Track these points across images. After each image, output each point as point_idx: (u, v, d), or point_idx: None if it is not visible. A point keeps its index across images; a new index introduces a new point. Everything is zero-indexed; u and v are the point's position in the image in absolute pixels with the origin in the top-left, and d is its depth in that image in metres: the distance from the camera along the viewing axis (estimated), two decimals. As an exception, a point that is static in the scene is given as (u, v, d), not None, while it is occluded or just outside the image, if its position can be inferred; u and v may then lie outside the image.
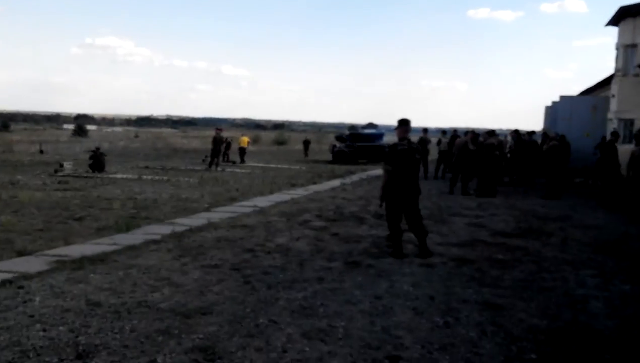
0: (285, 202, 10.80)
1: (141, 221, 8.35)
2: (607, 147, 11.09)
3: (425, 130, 17.56)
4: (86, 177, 15.74)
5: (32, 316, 4.09)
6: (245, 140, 25.40)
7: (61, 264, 5.52)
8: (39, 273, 5.19)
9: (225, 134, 22.45)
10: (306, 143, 32.13)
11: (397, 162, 6.21)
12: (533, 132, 22.04)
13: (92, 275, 5.16)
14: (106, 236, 7.23)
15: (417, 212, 6.31)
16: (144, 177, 15.80)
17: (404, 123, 6.41)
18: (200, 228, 7.71)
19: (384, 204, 6.41)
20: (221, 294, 4.65)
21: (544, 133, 23.54)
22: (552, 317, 4.34)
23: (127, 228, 7.72)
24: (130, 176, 16.06)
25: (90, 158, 17.40)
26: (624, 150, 15.25)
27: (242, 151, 24.40)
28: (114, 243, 6.68)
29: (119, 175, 16.21)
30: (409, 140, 6.35)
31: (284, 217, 8.86)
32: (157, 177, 15.74)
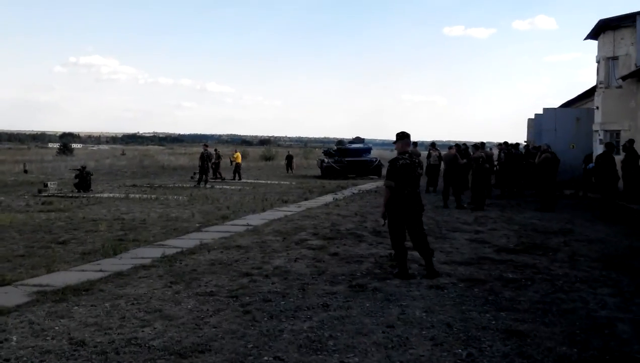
0: (279, 219, 10.32)
1: (129, 244, 7.81)
2: (603, 159, 10.84)
3: (414, 143, 17.29)
4: (71, 196, 15.09)
5: (7, 360, 3.56)
6: (239, 155, 24.77)
7: (42, 296, 4.98)
8: (18, 307, 4.64)
9: (211, 150, 21.81)
10: (289, 158, 31.08)
11: (399, 177, 5.81)
12: (517, 144, 22.00)
13: (76, 307, 4.63)
14: (92, 261, 6.68)
15: (421, 229, 5.90)
16: (132, 195, 15.20)
17: (403, 136, 6.03)
18: (192, 251, 7.20)
19: (386, 222, 5.98)
20: (219, 327, 4.16)
21: (528, 145, 23.51)
22: (581, 344, 3.93)
23: (115, 252, 7.18)
24: (117, 195, 15.44)
25: (76, 177, 16.74)
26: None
27: (238, 167, 23.76)
28: (101, 270, 6.14)
29: (105, 194, 15.58)
30: (410, 154, 5.96)
31: (279, 236, 8.39)
32: (144, 196, 15.15)
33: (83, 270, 6.19)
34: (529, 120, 29.84)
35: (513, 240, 8.15)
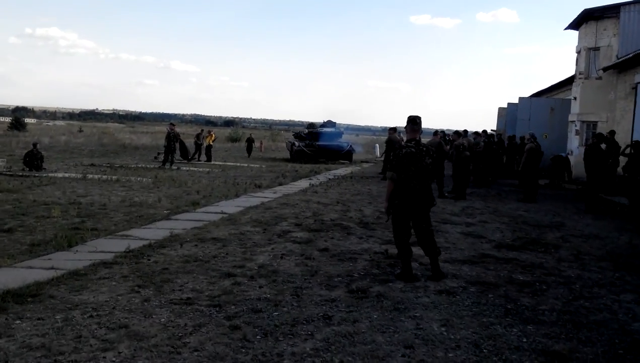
0: (256, 207, 9.47)
1: (87, 233, 6.81)
2: (591, 149, 10.49)
3: (393, 129, 16.67)
4: (21, 176, 13.69)
5: None
6: (212, 136, 23.43)
7: (-25, 304, 4.01)
8: (-58, 320, 3.68)
9: (178, 129, 20.59)
10: (249, 141, 28.83)
11: (403, 167, 5.09)
12: (465, 132, 21.73)
13: (18, 322, 3.70)
14: (42, 255, 5.69)
15: (429, 226, 5.22)
16: (90, 176, 13.94)
17: (412, 121, 5.29)
18: (162, 244, 6.29)
19: (390, 218, 5.26)
20: (202, 350, 3.34)
21: (499, 134, 23.35)
22: (631, 369, 3.35)
23: (69, 243, 6.19)
24: (73, 175, 14.13)
25: (26, 155, 15.27)
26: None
27: (209, 148, 22.49)
28: (52, 267, 5.17)
29: (60, 174, 14.24)
30: (417, 142, 5.23)
31: (258, 227, 7.56)
32: (104, 177, 13.92)
33: (30, 267, 5.21)
34: (500, 109, 29.83)
35: (508, 235, 7.63)
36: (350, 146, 25.61)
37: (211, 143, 22.81)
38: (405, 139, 5.42)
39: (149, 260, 5.53)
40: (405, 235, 5.15)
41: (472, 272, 5.45)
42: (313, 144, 24.62)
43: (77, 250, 5.95)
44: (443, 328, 3.87)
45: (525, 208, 10.46)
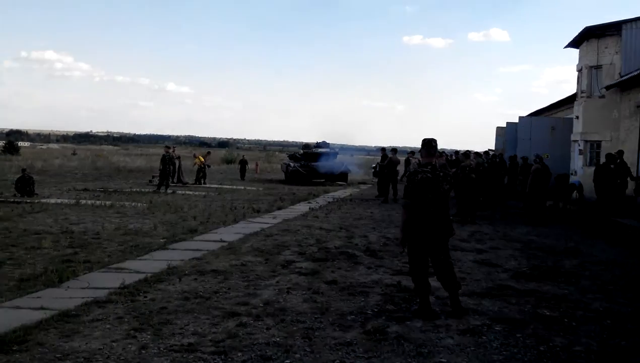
0: (256, 234, 9.11)
1: (79, 267, 6.43)
2: (601, 170, 10.24)
3: (394, 150, 16.46)
4: (13, 202, 13.28)
5: None
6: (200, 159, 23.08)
7: (-46, 354, 3.63)
8: None
9: (172, 152, 20.26)
10: (243, 163, 27.55)
11: (418, 194, 4.78)
12: (470, 153, 21.55)
13: (0, 378, 3.32)
14: (31, 293, 5.31)
15: (447, 257, 4.89)
16: (83, 201, 13.54)
17: (427, 144, 4.99)
18: (159, 277, 5.91)
19: (405, 250, 4.94)
20: (209, 410, 2.97)
21: (501, 154, 23.22)
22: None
23: (60, 278, 5.81)
24: (66, 201, 13.73)
25: (17, 180, 14.88)
26: (591, 171, 14.74)
27: (198, 171, 22.07)
28: (41, 307, 4.79)
29: (52, 200, 13.84)
30: (433, 166, 4.92)
31: (260, 257, 7.20)
32: (98, 202, 13.52)
33: (18, 308, 4.83)
34: (498, 128, 29.71)
35: (524, 263, 7.30)
36: (346, 166, 25.41)
37: (200, 165, 22.36)
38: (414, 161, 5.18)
39: (145, 297, 5.15)
40: (423, 269, 4.81)
41: (494, 307, 5.10)
42: (308, 165, 24.34)
43: (68, 287, 5.57)
44: (473, 377, 3.51)
45: (535, 233, 10.14)
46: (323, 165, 24.68)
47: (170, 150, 19.28)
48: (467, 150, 13.66)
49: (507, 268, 6.88)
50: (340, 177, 24.59)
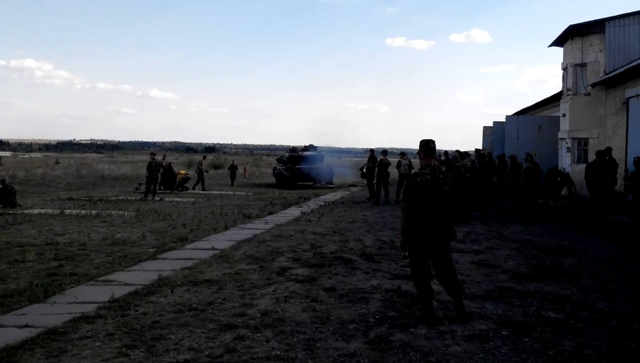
0: (248, 240, 8.89)
1: (65, 280, 6.17)
2: (591, 167, 10.22)
3: (384, 151, 16.36)
4: (-6, 214, 12.88)
5: None
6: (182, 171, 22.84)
7: None
8: None
9: (159, 158, 19.99)
10: (232, 169, 26.71)
11: (418, 197, 4.63)
12: (467, 153, 21.62)
13: (-18, 406, 3.08)
14: (14, 310, 5.05)
15: (449, 262, 4.75)
16: (68, 211, 13.18)
17: (425, 146, 4.85)
18: (150, 290, 5.68)
19: (406, 254, 4.78)
20: None
21: (489, 153, 23.28)
22: None
23: (46, 293, 5.55)
24: (50, 211, 13.35)
25: (-1, 192, 14.46)
26: (580, 169, 14.80)
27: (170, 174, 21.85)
28: (26, 325, 4.55)
29: (36, 211, 13.45)
30: (433, 168, 4.78)
31: (254, 264, 7.00)
32: (83, 211, 13.17)
33: (1, 326, 4.57)
34: (485, 128, 29.84)
35: (522, 263, 7.20)
36: (331, 169, 25.42)
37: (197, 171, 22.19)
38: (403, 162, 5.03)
39: (136, 311, 4.92)
40: (425, 273, 4.66)
41: (498, 310, 4.97)
42: (292, 168, 24.21)
43: (54, 302, 5.32)
44: (485, 386, 3.36)
45: (529, 232, 10.08)
46: (308, 167, 24.53)
47: (159, 158, 19.01)
48: (458, 150, 13.57)
49: (506, 269, 6.77)
50: (325, 179, 24.52)
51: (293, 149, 28.50)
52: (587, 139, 16.01)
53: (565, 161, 16.77)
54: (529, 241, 9.01)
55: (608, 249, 8.34)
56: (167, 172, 20.94)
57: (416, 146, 5.06)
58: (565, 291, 5.71)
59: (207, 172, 22.89)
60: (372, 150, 18.08)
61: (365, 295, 5.47)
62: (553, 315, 4.87)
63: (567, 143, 16.58)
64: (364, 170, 19.30)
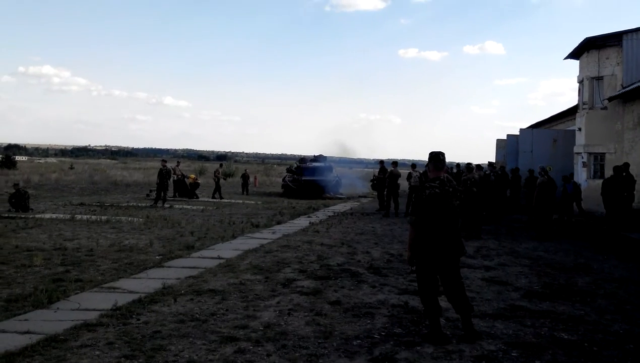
0: (255, 250, 8.83)
1: (70, 286, 6.15)
2: (609, 183, 10.01)
3: (395, 163, 16.24)
4: (7, 217, 13.01)
5: None
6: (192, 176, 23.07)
7: None
8: None
9: (171, 165, 20.16)
10: (245, 178, 26.29)
11: (426, 211, 4.53)
12: (475, 166, 21.36)
13: (-25, 415, 3.03)
14: (18, 315, 5.04)
15: (458, 278, 4.62)
16: (78, 216, 13.27)
17: (435, 158, 4.75)
18: (153, 298, 5.63)
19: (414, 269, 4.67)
20: None
21: (503, 167, 23.05)
22: None
23: (50, 299, 5.53)
24: (61, 216, 13.45)
25: (12, 196, 14.61)
26: (596, 184, 14.53)
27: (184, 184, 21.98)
28: (28, 331, 4.52)
29: (47, 215, 13.56)
30: (442, 181, 4.67)
31: (260, 275, 6.92)
32: (93, 217, 13.25)
33: (3, 331, 4.55)
34: (498, 141, 29.58)
35: (534, 280, 7.02)
36: (339, 180, 25.32)
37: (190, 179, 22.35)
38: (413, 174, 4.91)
39: (138, 320, 4.86)
40: (432, 289, 4.54)
41: (508, 330, 4.82)
42: (299, 179, 24.11)
43: (57, 308, 5.29)
44: (493, 410, 3.22)
45: (543, 248, 9.87)
46: (315, 179, 24.39)
47: (173, 165, 19.18)
48: (470, 164, 13.39)
49: (518, 287, 6.60)
50: (333, 190, 24.41)
51: (302, 160, 28.42)
52: (604, 153, 15.73)
53: (580, 176, 16.49)
54: (542, 258, 8.81)
55: (624, 268, 8.11)
56: (180, 181, 21.23)
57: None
58: (580, 311, 5.54)
59: (225, 179, 23.06)
60: (382, 161, 17.98)
61: (371, 310, 5.36)
62: (566, 336, 4.70)
63: (582, 158, 16.31)
64: (374, 181, 19.21)
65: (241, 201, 20.39)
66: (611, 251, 9.65)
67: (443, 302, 4.80)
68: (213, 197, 21.47)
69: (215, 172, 23.75)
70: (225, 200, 20.51)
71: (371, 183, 20.89)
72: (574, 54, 17.14)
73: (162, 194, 17.55)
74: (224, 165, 23.23)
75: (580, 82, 16.78)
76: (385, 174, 16.37)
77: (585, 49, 16.22)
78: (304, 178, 24.12)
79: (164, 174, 17.78)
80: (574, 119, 17.97)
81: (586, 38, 15.70)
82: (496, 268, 7.77)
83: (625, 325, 5.11)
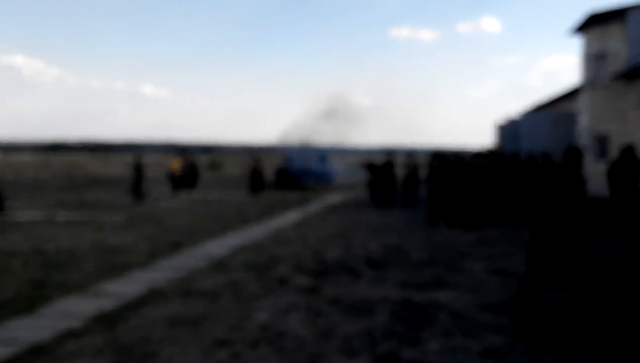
0: (246, 247, 8.82)
1: (52, 291, 6.10)
2: (616, 166, 10.07)
3: (390, 152, 16.23)
4: (-21, 219, 12.86)
5: None
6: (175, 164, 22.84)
7: None
8: None
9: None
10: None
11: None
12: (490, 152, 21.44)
13: None
14: (-3, 324, 4.98)
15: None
16: (57, 216, 13.16)
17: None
18: (141, 301, 5.61)
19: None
20: None
21: (501, 152, 23.15)
22: None
23: (32, 305, 5.49)
24: (39, 216, 13.33)
25: (-14, 196, 14.43)
26: (600, 168, 14.64)
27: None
28: (9, 340, 4.48)
29: (24, 215, 13.43)
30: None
31: (252, 272, 6.92)
32: (73, 216, 13.15)
33: (-18, 342, 4.51)
34: (499, 126, 29.76)
35: (539, 269, 7.08)
36: (331, 170, 25.19)
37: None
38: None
39: (125, 325, 4.84)
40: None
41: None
42: (283, 171, 24.05)
43: (39, 314, 5.25)
44: (502, 408, 3.26)
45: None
46: (304, 169, 24.27)
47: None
48: (479, 152, 13.42)
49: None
50: (324, 181, 24.29)
51: (290, 149, 28.02)
52: (609, 135, 15.83)
53: (585, 159, 16.59)
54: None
55: (631, 254, 8.21)
56: (190, 173, 21.58)
57: (429, 143, 4.95)
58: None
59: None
60: (389, 153, 17.05)
61: (371, 307, 5.38)
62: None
63: (585, 139, 16.41)
64: (370, 171, 19.13)
65: (229, 197, 20.31)
66: (617, 236, 9.75)
67: (443, 297, 4.84)
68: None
69: (250, 163, 21.81)
70: (200, 196, 20.38)
71: (368, 172, 20.39)
72: (577, 30, 17.16)
73: (140, 189, 17.53)
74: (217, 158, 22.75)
75: (583, 59, 16.82)
76: (388, 164, 15.91)
77: (588, 25, 16.23)
78: (288, 170, 24.03)
79: (139, 167, 17.81)
80: (575, 100, 18.04)
81: (590, 13, 15.70)
82: (499, 258, 7.82)
83: (633, 311, 5.17)
